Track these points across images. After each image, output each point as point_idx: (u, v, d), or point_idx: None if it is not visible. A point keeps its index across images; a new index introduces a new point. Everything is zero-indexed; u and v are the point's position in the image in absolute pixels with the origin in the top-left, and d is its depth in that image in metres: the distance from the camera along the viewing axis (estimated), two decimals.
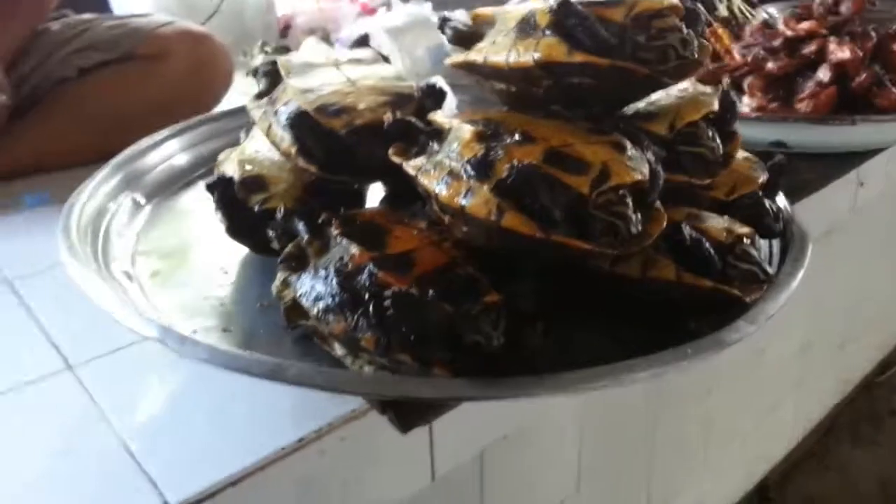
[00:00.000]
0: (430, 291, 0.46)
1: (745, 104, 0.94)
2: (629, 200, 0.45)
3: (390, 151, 0.53)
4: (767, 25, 1.14)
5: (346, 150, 0.56)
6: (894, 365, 1.86)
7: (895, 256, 1.48)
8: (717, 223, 0.54)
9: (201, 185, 0.80)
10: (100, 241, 0.65)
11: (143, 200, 0.75)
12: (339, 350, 0.52)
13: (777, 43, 0.97)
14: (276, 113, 0.59)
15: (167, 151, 0.82)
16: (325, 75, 0.61)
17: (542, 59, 0.49)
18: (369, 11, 1.88)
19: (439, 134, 0.52)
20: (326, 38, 1.61)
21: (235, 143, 0.85)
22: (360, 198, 0.64)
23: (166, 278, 0.64)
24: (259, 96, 0.64)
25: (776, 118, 0.85)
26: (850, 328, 1.41)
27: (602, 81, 0.49)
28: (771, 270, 0.52)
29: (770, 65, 0.95)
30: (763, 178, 0.63)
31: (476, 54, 0.54)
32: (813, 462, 1.65)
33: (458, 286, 0.47)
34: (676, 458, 0.97)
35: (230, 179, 0.62)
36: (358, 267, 0.48)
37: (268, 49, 1.51)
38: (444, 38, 1.15)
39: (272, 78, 0.64)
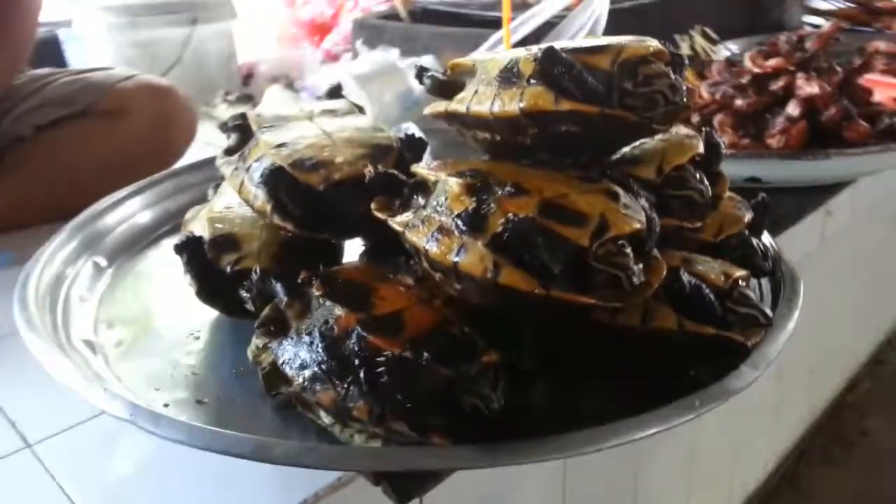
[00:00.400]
0: (425, 354, 0.43)
1: None
2: (629, 250, 0.43)
3: (373, 206, 0.50)
4: (731, 63, 1.16)
5: (325, 205, 0.54)
6: (859, 387, 1.88)
7: (859, 282, 1.50)
8: (712, 267, 0.52)
9: (165, 245, 0.77)
10: (59, 309, 0.61)
11: (104, 263, 0.71)
12: (325, 419, 0.49)
13: (745, 80, 0.98)
14: (248, 169, 0.57)
15: (129, 210, 0.78)
16: (298, 128, 0.59)
17: (528, 109, 0.48)
18: (333, 58, 1.87)
19: (423, 186, 0.50)
20: (290, 86, 1.60)
21: (200, 198, 0.82)
22: (338, 254, 0.62)
23: (132, 347, 0.60)
24: (228, 152, 0.62)
25: (752, 154, 0.85)
26: (818, 354, 1.42)
27: (590, 129, 0.48)
28: (770, 313, 0.51)
29: (739, 102, 0.96)
30: (748, 216, 0.63)
31: (458, 104, 0.53)
32: (789, 488, 1.64)
33: (453, 347, 0.44)
34: (662, 490, 0.95)
35: (199, 239, 0.59)
36: (345, 330, 0.46)
37: (230, 98, 1.49)
38: (412, 84, 1.15)
39: (242, 132, 0.61)
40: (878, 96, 1.07)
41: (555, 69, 0.46)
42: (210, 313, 0.64)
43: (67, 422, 0.57)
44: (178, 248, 0.58)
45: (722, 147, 0.58)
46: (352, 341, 0.45)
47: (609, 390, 0.50)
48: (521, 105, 0.48)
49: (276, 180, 0.53)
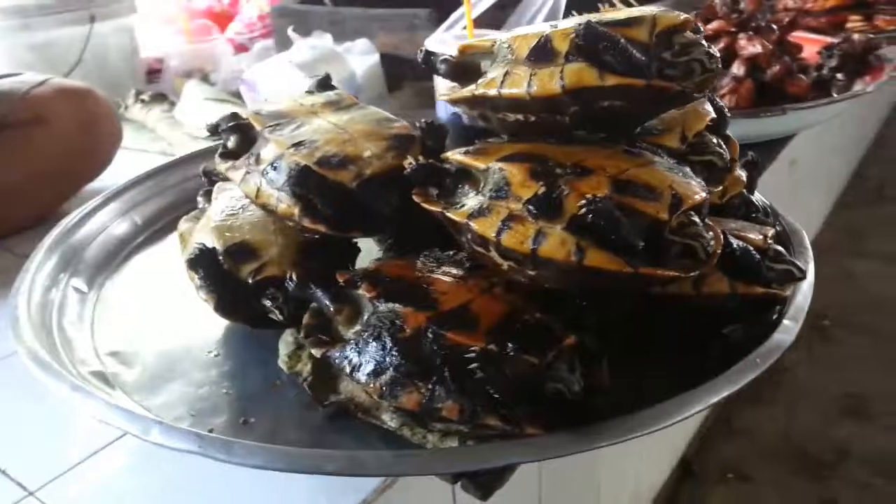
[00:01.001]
0: (510, 345, 0.42)
1: None
2: (698, 220, 0.44)
3: (418, 200, 0.48)
4: None
5: (357, 203, 0.51)
6: None
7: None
8: (744, 227, 0.54)
9: (144, 256, 0.72)
10: (58, 343, 0.55)
11: (85, 284, 0.65)
12: (391, 422, 0.47)
13: None
14: (263, 172, 0.53)
15: (100, 221, 0.72)
16: (309, 125, 0.56)
17: (571, 86, 0.47)
18: (238, 48, 1.79)
19: (468, 175, 0.49)
20: (206, 79, 1.51)
21: (171, 205, 0.77)
22: (355, 252, 0.59)
23: (148, 373, 0.55)
24: (228, 155, 0.57)
25: None
26: None
27: (633, 102, 0.48)
28: (803, 266, 0.53)
29: None
30: (744, 175, 0.65)
31: (486, 88, 0.51)
32: (722, 428, 1.75)
33: (533, 334, 0.44)
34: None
35: (213, 251, 0.55)
36: (417, 330, 0.44)
37: (144, 97, 1.39)
38: (354, 68, 1.11)
39: (241, 133, 0.57)
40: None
41: (598, 44, 0.46)
42: (218, 327, 0.60)
43: (65, 464, 0.53)
44: (192, 263, 0.54)
45: (726, 110, 0.60)
46: (428, 340, 0.43)
47: (668, 360, 0.51)
48: (563, 83, 0.47)
49: (304, 181, 0.50)
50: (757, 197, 0.68)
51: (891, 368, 2.01)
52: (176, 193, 0.80)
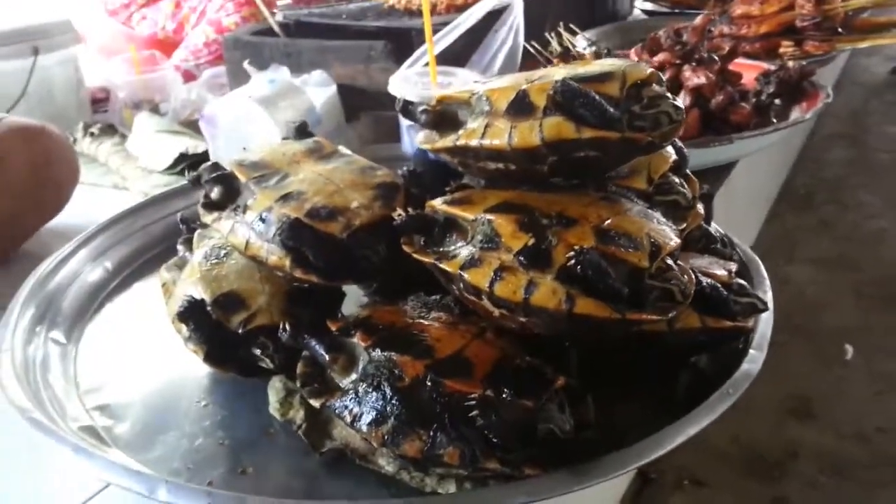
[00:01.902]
0: (506, 390, 0.44)
1: None
2: (673, 264, 0.47)
3: (409, 250, 0.50)
4: (601, 58, 1.25)
5: (347, 253, 0.53)
6: None
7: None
8: (711, 264, 0.58)
9: (120, 302, 0.72)
10: (45, 398, 0.55)
11: (63, 337, 0.65)
12: (389, 467, 0.49)
13: None
14: (252, 225, 0.54)
15: (73, 268, 0.72)
16: (294, 175, 0.57)
17: (550, 139, 0.50)
18: (185, 75, 1.77)
19: (455, 225, 0.51)
20: (155, 110, 1.50)
21: (141, 248, 0.77)
22: (341, 296, 0.60)
23: (140, 426, 0.56)
24: (213, 206, 0.58)
25: None
26: None
27: (606, 153, 0.51)
28: (766, 299, 0.57)
29: None
30: (701, 208, 0.69)
31: (468, 138, 0.53)
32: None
33: (526, 378, 0.46)
34: None
35: (202, 302, 0.55)
36: (416, 378, 0.46)
37: (94, 130, 1.37)
38: (314, 102, 1.12)
39: (225, 184, 0.58)
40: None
41: (575, 100, 0.49)
42: (203, 375, 0.61)
43: None
44: (183, 316, 0.55)
45: (685, 150, 0.64)
46: (427, 389, 0.45)
47: (644, 390, 0.55)
48: (543, 135, 0.50)
49: (295, 234, 0.51)
50: (714, 227, 0.72)
51: (829, 368, 2.11)
52: (144, 237, 0.80)
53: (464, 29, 0.98)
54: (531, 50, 1.38)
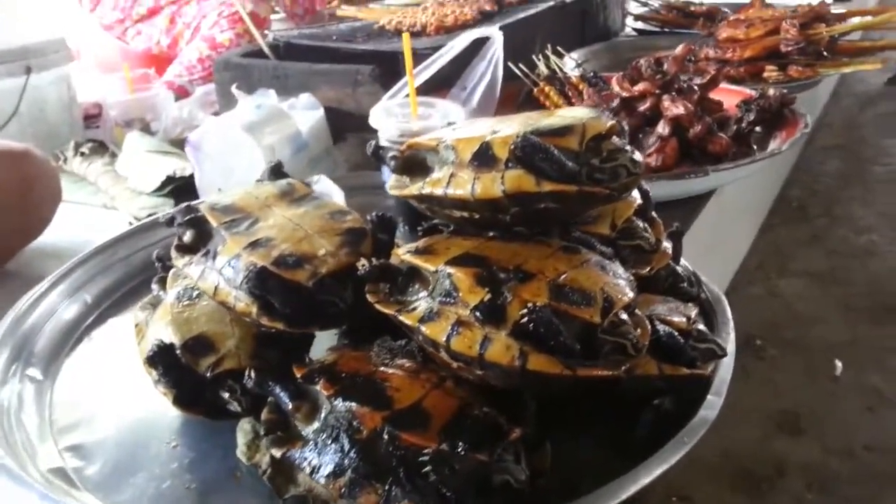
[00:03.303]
0: (460, 444, 0.45)
1: None
2: (627, 318, 0.48)
3: (372, 300, 0.52)
4: (591, 83, 1.26)
5: (314, 300, 0.54)
6: None
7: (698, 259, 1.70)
8: (671, 309, 0.59)
9: (98, 336, 0.73)
10: (18, 441, 0.56)
11: (40, 376, 0.66)
12: None
13: (615, 104, 1.07)
14: (221, 271, 0.55)
15: (50, 304, 0.73)
16: (264, 221, 0.58)
17: (511, 191, 0.51)
18: (179, 91, 1.79)
19: (419, 275, 0.52)
20: (146, 129, 1.51)
21: (118, 282, 0.78)
22: (310, 340, 0.61)
23: (109, 468, 0.57)
24: (185, 249, 0.59)
25: (644, 178, 0.94)
26: None
27: (566, 204, 0.52)
28: (724, 345, 0.58)
29: None
30: (670, 248, 0.70)
31: (433, 187, 0.55)
32: None
33: (482, 430, 0.47)
34: None
35: (171, 346, 0.57)
36: (373, 431, 0.47)
37: (84, 150, 1.38)
38: (300, 126, 1.13)
39: (196, 227, 0.59)
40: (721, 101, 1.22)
41: (535, 154, 0.50)
42: (175, 415, 0.62)
43: None
44: (152, 361, 0.56)
45: (650, 194, 0.65)
46: (384, 441, 0.46)
47: (603, 440, 0.56)
48: (504, 188, 0.51)
49: (262, 282, 0.52)
50: (683, 265, 0.73)
51: (819, 383, 2.12)
52: (123, 268, 0.81)
53: (445, 61, 1.00)
54: (518, 72, 1.39)
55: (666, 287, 0.67)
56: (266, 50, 1.38)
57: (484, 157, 0.53)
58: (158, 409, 0.61)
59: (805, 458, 1.83)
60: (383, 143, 0.86)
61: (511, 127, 0.54)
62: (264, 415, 0.52)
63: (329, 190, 0.89)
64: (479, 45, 1.07)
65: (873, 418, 1.93)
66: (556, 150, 0.51)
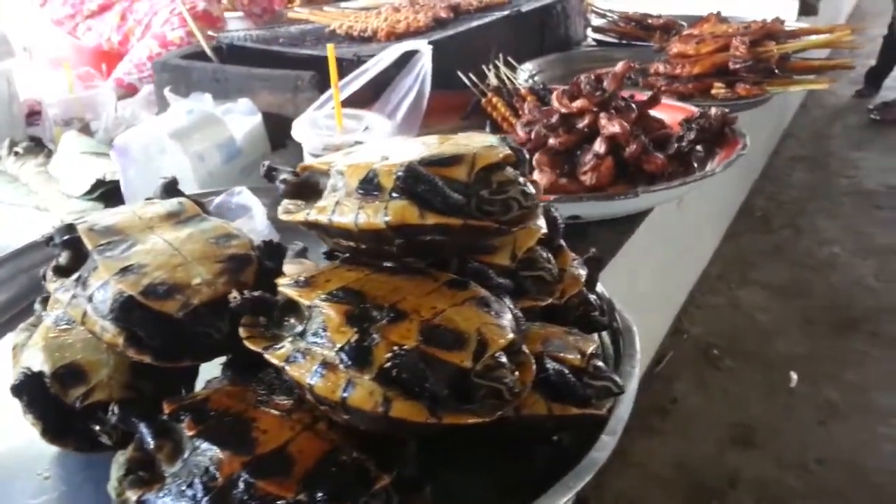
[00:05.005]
0: (319, 494, 0.43)
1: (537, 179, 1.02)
2: (504, 359, 0.46)
3: (244, 336, 0.49)
4: (539, 97, 1.24)
5: (186, 332, 0.51)
6: (665, 357, 2.12)
7: (655, 268, 1.70)
8: (567, 344, 0.56)
9: None
10: None
11: None
12: None
13: (554, 119, 1.05)
14: (90, 298, 0.52)
15: None
16: (141, 244, 0.55)
17: (393, 223, 0.49)
18: (127, 88, 1.75)
19: (295, 308, 0.50)
20: (86, 129, 1.47)
21: (12, 300, 0.75)
22: (195, 371, 0.58)
23: None
24: (60, 271, 0.56)
25: (572, 198, 0.92)
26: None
27: (452, 237, 0.50)
28: (621, 382, 0.56)
29: (552, 141, 1.03)
30: (584, 275, 0.68)
31: (320, 214, 0.52)
32: (618, 462, 1.81)
33: (347, 478, 0.45)
34: None
35: (39, 375, 0.53)
36: (229, 478, 0.44)
37: (19, 149, 1.34)
38: (233, 133, 1.10)
39: (73, 249, 0.56)
40: (664, 118, 1.20)
41: (419, 185, 0.48)
42: (51, 447, 0.58)
43: None
44: (16, 391, 0.53)
45: (559, 221, 0.63)
46: (240, 491, 0.43)
47: (491, 479, 0.53)
48: (387, 219, 0.49)
49: (128, 314, 0.49)
50: (599, 290, 0.71)
51: (775, 396, 2.12)
52: (14, 287, 0.77)
53: (372, 74, 0.97)
54: (467, 82, 1.37)
55: (577, 316, 0.66)
56: (208, 51, 1.34)
57: (370, 186, 0.51)
58: (33, 435, 0.57)
59: (757, 471, 1.83)
60: (306, 156, 0.84)
61: (402, 154, 0.52)
62: (129, 452, 0.50)
63: (249, 203, 0.86)
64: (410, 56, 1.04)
65: (826, 432, 1.94)
66: (440, 182, 0.48)
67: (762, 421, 1.98)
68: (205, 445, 0.46)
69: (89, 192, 1.18)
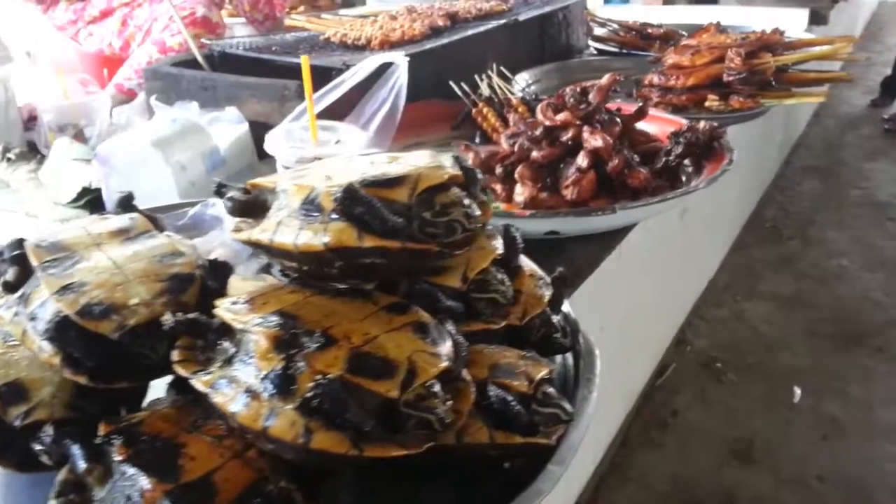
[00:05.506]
0: None
1: (518, 193, 1.00)
2: (437, 389, 0.45)
3: (175, 360, 0.48)
4: (528, 105, 1.23)
5: (122, 353, 0.50)
6: (667, 369, 2.10)
7: (658, 278, 1.68)
8: (516, 370, 0.55)
9: None
10: None
11: None
12: None
13: (538, 132, 1.04)
14: (31, 317, 0.52)
15: None
16: (85, 261, 0.55)
17: (332, 245, 0.48)
18: (127, 93, 1.75)
19: (230, 331, 0.49)
20: (80, 135, 1.47)
21: None
22: (143, 391, 0.58)
23: None
24: (7, 287, 0.56)
25: (550, 214, 0.91)
26: (633, 342, 1.55)
27: (392, 261, 0.49)
28: (570, 409, 0.55)
29: (535, 154, 1.02)
30: (548, 294, 0.66)
31: (261, 234, 0.51)
32: (615, 474, 1.79)
33: None
34: None
35: None
36: None
37: (11, 155, 1.35)
38: (217, 142, 1.10)
39: (20, 265, 0.56)
40: (655, 130, 1.19)
41: (357, 207, 0.47)
42: None
43: None
44: None
45: (518, 241, 0.62)
46: None
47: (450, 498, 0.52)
48: (325, 240, 0.48)
49: (62, 333, 0.49)
50: (563, 312, 0.69)
51: (776, 410, 2.09)
52: None
53: (350, 85, 0.97)
54: (459, 92, 1.36)
55: (538, 337, 0.64)
56: (200, 59, 1.34)
57: (311, 207, 0.50)
58: None
59: (756, 488, 1.80)
60: (279, 168, 0.83)
61: (345, 175, 0.51)
62: (61, 474, 0.49)
63: (222, 215, 0.86)
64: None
65: (827, 448, 1.90)
66: (379, 204, 0.47)
67: (763, 436, 1.95)
68: (132, 471, 0.45)
69: (76, 200, 1.18)
